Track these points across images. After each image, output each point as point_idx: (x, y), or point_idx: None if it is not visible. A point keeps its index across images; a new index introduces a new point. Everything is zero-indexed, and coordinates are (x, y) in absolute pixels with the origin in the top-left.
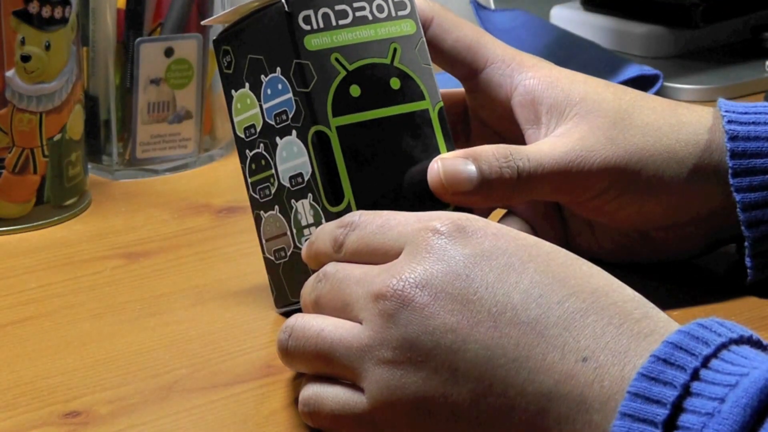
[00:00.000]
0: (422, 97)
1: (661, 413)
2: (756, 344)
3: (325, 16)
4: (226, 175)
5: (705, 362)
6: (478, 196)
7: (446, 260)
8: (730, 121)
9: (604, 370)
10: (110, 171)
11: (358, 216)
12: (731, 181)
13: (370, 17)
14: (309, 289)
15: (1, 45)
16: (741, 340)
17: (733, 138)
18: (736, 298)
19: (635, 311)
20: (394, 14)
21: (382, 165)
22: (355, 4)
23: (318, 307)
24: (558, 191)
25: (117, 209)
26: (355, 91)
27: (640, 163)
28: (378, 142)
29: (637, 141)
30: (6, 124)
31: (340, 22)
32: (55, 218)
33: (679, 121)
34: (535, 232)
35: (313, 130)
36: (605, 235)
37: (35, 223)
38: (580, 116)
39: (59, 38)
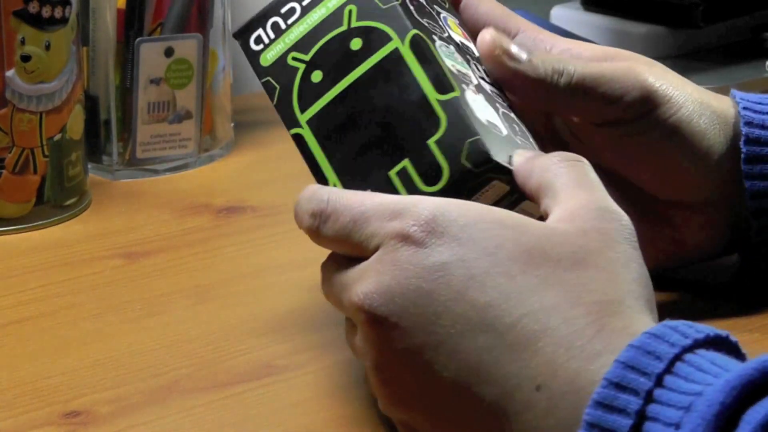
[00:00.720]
0: (388, 39)
1: None
2: (713, 342)
3: (275, 25)
4: (226, 175)
5: (659, 381)
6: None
7: (411, 274)
8: (745, 108)
9: (556, 399)
10: (110, 171)
11: (326, 201)
12: (743, 167)
13: None
14: None
15: (1, 45)
16: (696, 345)
17: (748, 123)
18: (734, 305)
19: (588, 328)
20: None
21: (357, 131)
22: None
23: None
24: (592, 91)
25: (117, 209)
26: (316, 76)
27: (679, 103)
28: (350, 111)
29: (682, 84)
30: (6, 124)
31: (290, 21)
32: (55, 218)
33: (707, 94)
34: None
35: (291, 135)
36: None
37: (35, 223)
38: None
39: (59, 38)
